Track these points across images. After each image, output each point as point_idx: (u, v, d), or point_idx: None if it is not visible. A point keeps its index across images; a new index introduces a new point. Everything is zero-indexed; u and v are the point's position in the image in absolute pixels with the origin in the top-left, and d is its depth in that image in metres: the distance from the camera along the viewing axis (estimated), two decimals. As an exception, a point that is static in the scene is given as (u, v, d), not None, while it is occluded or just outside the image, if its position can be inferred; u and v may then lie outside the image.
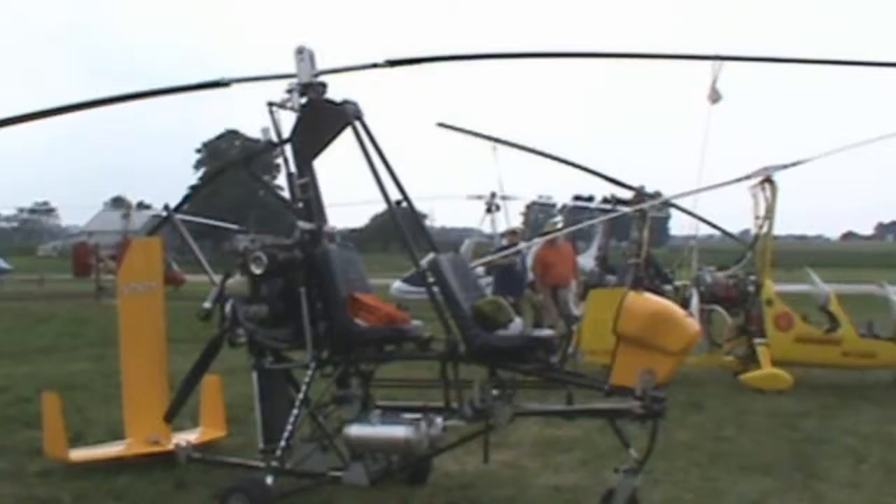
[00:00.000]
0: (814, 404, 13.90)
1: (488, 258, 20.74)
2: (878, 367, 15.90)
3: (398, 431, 7.79)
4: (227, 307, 8.48)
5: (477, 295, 8.33)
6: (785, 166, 16.12)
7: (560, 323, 17.96)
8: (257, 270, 8.18)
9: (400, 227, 8.38)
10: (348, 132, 8.47)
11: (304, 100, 8.68)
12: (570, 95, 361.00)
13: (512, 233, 24.45)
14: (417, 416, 7.94)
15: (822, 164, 16.01)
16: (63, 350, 21.25)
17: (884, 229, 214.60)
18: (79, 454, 9.70)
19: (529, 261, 22.77)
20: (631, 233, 19.13)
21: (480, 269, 25.74)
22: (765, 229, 16.50)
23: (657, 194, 19.19)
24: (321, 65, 8.69)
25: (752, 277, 16.84)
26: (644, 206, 17.66)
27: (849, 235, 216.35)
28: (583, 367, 11.48)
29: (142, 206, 72.92)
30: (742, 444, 11.09)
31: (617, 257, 24.47)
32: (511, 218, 36.79)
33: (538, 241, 24.34)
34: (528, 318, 19.79)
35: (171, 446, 9.37)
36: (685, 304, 15.81)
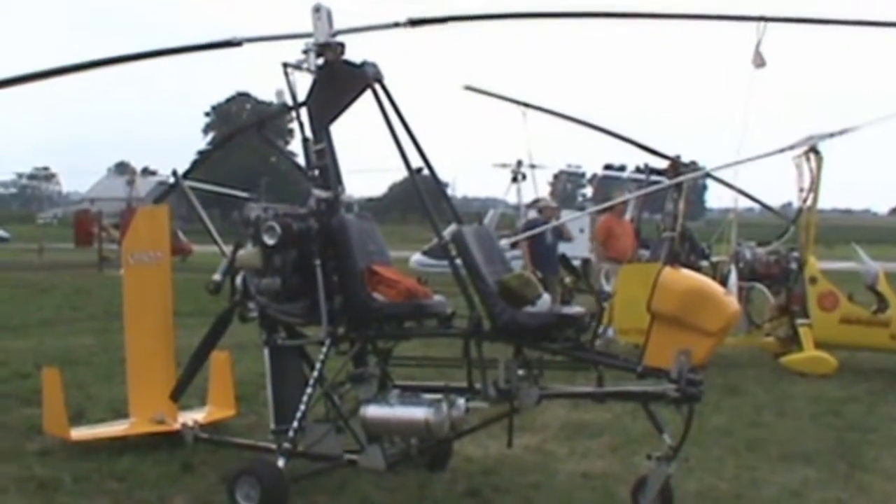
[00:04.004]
0: (859, 390, 13.88)
1: (523, 235, 20.56)
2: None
3: (418, 413, 7.81)
4: (238, 280, 8.48)
5: (503, 269, 8.32)
6: (831, 135, 15.99)
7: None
8: (270, 241, 8.18)
9: (421, 196, 8.37)
10: (367, 95, 8.45)
11: (320, 61, 8.62)
12: (604, 58, 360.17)
13: (548, 207, 24.06)
14: (438, 396, 7.97)
15: (872, 132, 15.89)
16: (64, 323, 21.34)
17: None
18: (80, 433, 9.76)
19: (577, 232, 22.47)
20: (665, 205, 19.04)
21: (505, 242, 25.74)
22: (809, 202, 16.40)
23: (693, 164, 19.01)
24: (339, 24, 8.63)
25: (795, 253, 16.76)
26: (682, 178, 17.55)
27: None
28: (617, 349, 11.49)
29: (147, 171, 73.38)
30: (782, 431, 11.07)
31: (650, 230, 24.40)
32: (539, 187, 36.73)
33: (577, 216, 24.32)
34: (556, 294, 19.67)
35: (177, 426, 9.45)
36: (723, 281, 15.75)
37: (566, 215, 26.20)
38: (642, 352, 7.46)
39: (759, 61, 10.32)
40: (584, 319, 7.96)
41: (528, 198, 35.25)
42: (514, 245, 22.75)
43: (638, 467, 8.51)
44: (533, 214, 25.56)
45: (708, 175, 19.56)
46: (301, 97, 8.72)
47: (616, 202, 21.07)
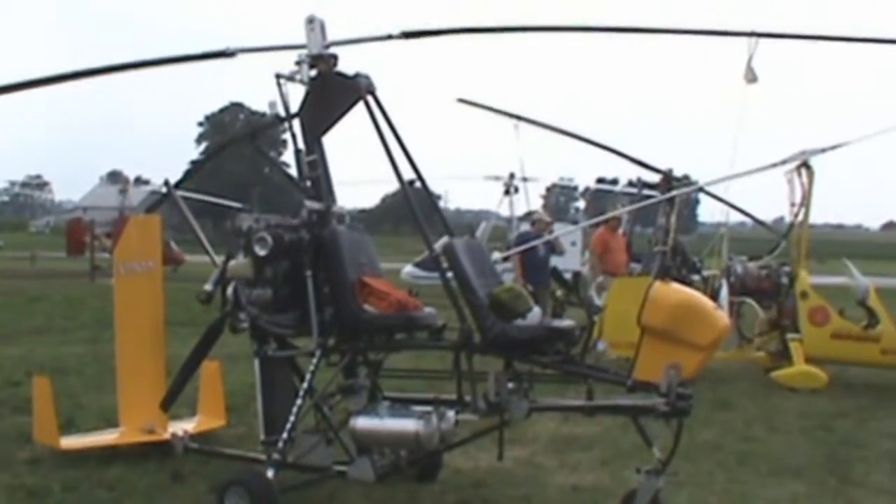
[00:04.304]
0: (850, 405, 13.88)
1: (517, 249, 20.50)
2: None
3: (407, 425, 7.81)
4: (229, 290, 8.48)
5: (494, 282, 8.32)
6: (823, 150, 16.03)
7: None
8: (262, 252, 8.18)
9: (413, 208, 8.37)
10: (360, 107, 8.47)
11: (313, 72, 8.66)
12: (597, 72, 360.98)
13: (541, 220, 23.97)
14: (428, 408, 7.96)
15: (863, 147, 15.92)
16: (55, 332, 21.31)
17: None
18: (70, 442, 9.75)
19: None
20: (658, 219, 19.10)
21: (497, 255, 25.70)
22: (800, 217, 16.43)
23: (686, 178, 19.08)
24: (332, 36, 8.67)
25: (786, 268, 16.79)
26: (676, 193, 17.59)
27: (890, 225, 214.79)
28: (607, 362, 11.47)
29: (139, 181, 73.36)
30: (772, 446, 11.08)
31: (642, 244, 24.45)
32: (531, 201, 36.76)
33: (571, 229, 24.28)
34: (547, 306, 19.75)
35: (167, 436, 9.41)
36: (714, 295, 15.77)
37: (558, 228, 26.21)
38: (632, 365, 7.47)
39: (751, 76, 10.35)
40: (574, 333, 7.97)
41: (520, 210, 35.33)
42: (505, 258, 22.77)
43: (628, 481, 8.48)
44: (524, 227, 25.58)
45: (700, 189, 19.60)
46: (294, 108, 8.74)
47: (609, 216, 21.14)
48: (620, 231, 21.04)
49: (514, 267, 20.30)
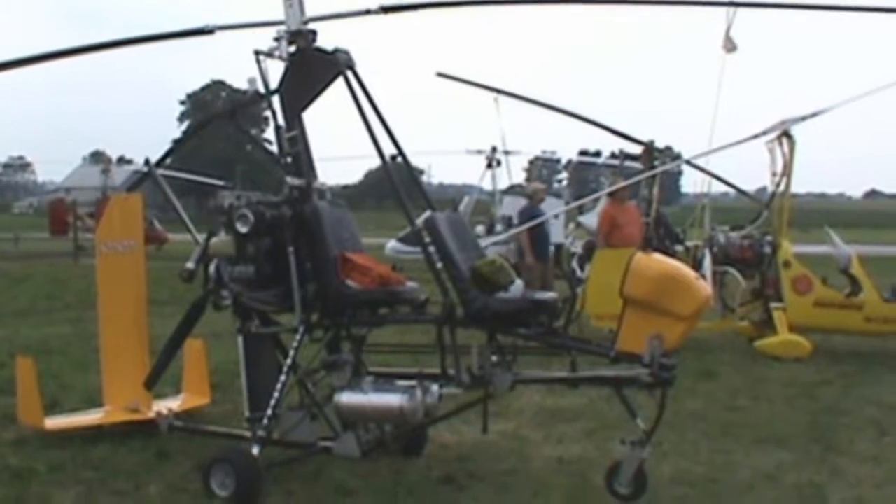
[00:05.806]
0: (833, 373, 13.93)
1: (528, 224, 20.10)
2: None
3: (392, 399, 7.81)
4: (212, 268, 8.46)
5: (476, 255, 8.31)
6: (803, 118, 16.06)
7: None
8: (243, 229, 8.17)
9: (395, 183, 8.36)
10: (340, 83, 8.44)
11: (292, 48, 8.62)
12: (577, 44, 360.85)
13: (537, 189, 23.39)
14: (412, 383, 7.96)
15: (844, 115, 15.94)
16: (39, 313, 21.23)
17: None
18: (54, 422, 9.70)
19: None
20: (640, 190, 19.05)
21: (480, 229, 25.64)
22: (782, 187, 16.47)
23: (668, 149, 19.04)
24: (311, 11, 8.62)
25: (769, 238, 16.82)
26: (663, 168, 17.55)
27: (872, 193, 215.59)
28: (589, 332, 11.48)
29: (122, 160, 73.21)
30: (756, 415, 11.11)
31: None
32: (513, 174, 36.79)
33: (563, 209, 24.18)
34: (551, 276, 19.64)
35: (151, 414, 9.39)
36: (697, 265, 15.81)
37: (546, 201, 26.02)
38: (615, 337, 7.47)
39: (730, 46, 10.36)
40: (557, 305, 7.98)
41: (503, 184, 35.32)
42: (489, 231, 22.71)
43: (613, 452, 8.52)
44: (509, 200, 25.51)
45: (686, 163, 19.61)
46: (274, 85, 8.70)
47: (592, 197, 21.07)
48: (633, 202, 20.05)
49: (524, 243, 19.77)
